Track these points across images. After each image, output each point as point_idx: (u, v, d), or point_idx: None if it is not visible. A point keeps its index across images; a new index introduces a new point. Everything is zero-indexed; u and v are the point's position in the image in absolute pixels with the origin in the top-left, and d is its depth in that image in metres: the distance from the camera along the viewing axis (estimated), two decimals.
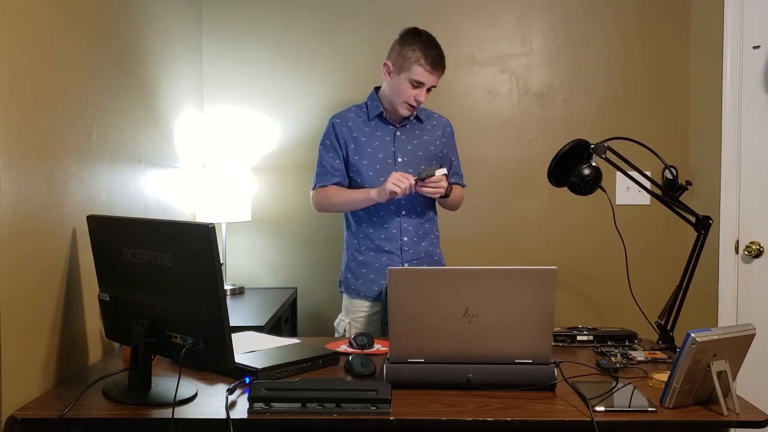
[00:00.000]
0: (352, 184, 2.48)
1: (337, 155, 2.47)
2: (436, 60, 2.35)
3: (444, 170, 2.35)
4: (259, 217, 3.18)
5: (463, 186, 2.65)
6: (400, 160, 2.45)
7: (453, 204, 2.59)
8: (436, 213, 2.59)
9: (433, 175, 2.31)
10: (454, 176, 2.61)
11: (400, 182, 2.26)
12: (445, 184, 2.34)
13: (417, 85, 2.35)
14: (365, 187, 2.43)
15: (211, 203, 2.94)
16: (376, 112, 2.47)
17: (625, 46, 3.15)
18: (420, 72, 2.34)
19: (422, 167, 2.38)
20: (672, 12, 3.13)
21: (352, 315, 2.50)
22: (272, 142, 3.20)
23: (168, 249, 1.55)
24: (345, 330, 2.51)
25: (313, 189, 2.52)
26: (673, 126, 3.15)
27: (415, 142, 2.49)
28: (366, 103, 2.52)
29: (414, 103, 2.38)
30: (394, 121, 2.48)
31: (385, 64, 2.42)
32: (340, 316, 2.57)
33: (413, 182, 2.28)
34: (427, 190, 2.32)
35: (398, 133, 2.48)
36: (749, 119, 2.79)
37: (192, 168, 2.97)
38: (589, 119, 3.15)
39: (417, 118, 2.51)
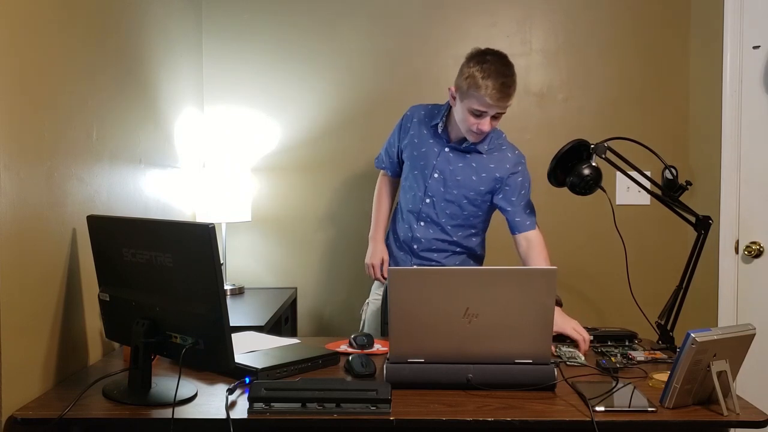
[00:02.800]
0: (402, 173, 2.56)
1: (393, 145, 2.54)
2: (497, 90, 2.13)
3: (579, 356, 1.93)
4: (259, 217, 3.18)
5: (529, 229, 2.34)
6: (436, 175, 2.37)
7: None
8: (474, 244, 2.47)
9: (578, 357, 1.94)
10: (514, 222, 2.35)
11: (369, 269, 2.53)
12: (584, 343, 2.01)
13: (479, 114, 2.19)
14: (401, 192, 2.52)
15: (211, 203, 2.94)
16: (436, 122, 2.38)
17: (625, 46, 3.15)
18: (478, 102, 2.16)
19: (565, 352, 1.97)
20: (672, 12, 3.13)
21: (372, 296, 2.58)
22: (272, 142, 3.20)
23: (168, 249, 1.54)
24: (363, 311, 2.60)
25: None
26: (673, 126, 3.15)
27: (460, 165, 2.35)
28: (442, 105, 2.43)
29: (479, 132, 2.23)
30: (452, 135, 2.36)
31: (449, 89, 2.28)
32: (367, 298, 2.64)
33: (379, 276, 2.50)
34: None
35: (446, 150, 2.37)
36: (749, 119, 2.79)
37: (192, 168, 2.97)
38: (589, 119, 3.15)
39: (476, 150, 2.34)
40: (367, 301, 2.61)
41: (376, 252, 2.53)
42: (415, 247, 2.45)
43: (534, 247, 2.33)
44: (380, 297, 2.53)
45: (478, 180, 2.35)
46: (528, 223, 2.35)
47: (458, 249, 2.45)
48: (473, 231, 2.45)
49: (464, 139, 2.34)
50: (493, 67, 2.16)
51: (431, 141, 2.40)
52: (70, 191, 1.81)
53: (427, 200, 2.40)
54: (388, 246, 2.55)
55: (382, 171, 2.63)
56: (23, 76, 1.60)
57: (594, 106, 3.16)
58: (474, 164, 2.36)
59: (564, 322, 2.03)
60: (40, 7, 1.68)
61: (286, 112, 3.19)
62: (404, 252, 2.49)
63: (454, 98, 2.27)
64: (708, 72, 2.98)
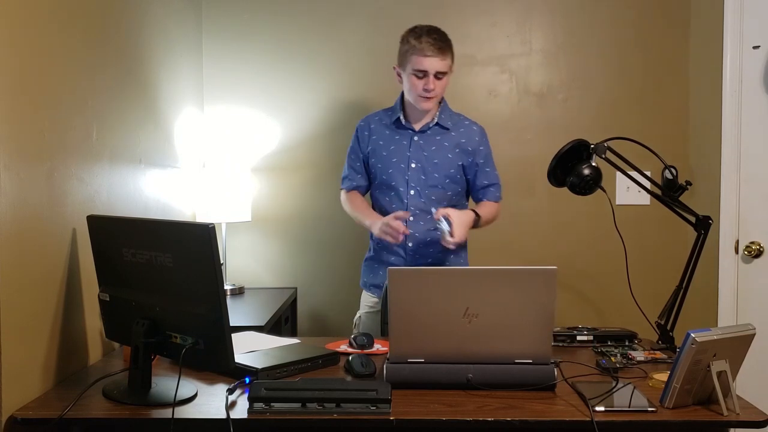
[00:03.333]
0: (372, 182, 2.53)
1: (358, 158, 2.53)
2: (430, 44, 2.31)
3: (445, 226, 2.22)
4: (259, 217, 3.18)
5: (497, 200, 2.51)
6: (413, 165, 2.42)
7: (487, 223, 2.48)
8: None
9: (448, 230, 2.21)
10: (485, 189, 2.50)
11: (387, 234, 2.27)
12: (459, 235, 2.23)
13: (421, 75, 2.32)
14: (382, 189, 2.48)
15: (211, 203, 2.94)
16: (396, 116, 2.46)
17: (625, 46, 3.15)
18: (417, 60, 2.31)
19: (438, 226, 2.25)
20: (672, 12, 3.13)
21: (364, 309, 2.55)
22: (272, 142, 3.20)
23: (168, 249, 1.55)
24: (356, 324, 2.56)
25: (341, 190, 2.61)
26: (673, 126, 3.15)
27: (433, 148, 2.43)
28: (393, 106, 2.51)
29: (426, 94, 2.33)
30: (415, 125, 2.45)
31: (394, 68, 2.44)
32: (358, 311, 2.60)
33: (403, 230, 2.26)
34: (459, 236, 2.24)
35: (416, 138, 2.44)
36: (749, 119, 2.79)
37: (192, 168, 2.97)
38: (589, 119, 3.15)
39: (441, 125, 2.44)
40: (358, 314, 2.56)
41: (384, 219, 2.33)
42: (410, 245, 2.43)
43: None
44: (371, 308, 2.50)
45: (454, 156, 2.44)
46: (498, 194, 2.53)
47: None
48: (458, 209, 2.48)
49: (428, 123, 2.44)
50: (424, 29, 2.36)
51: (397, 137, 2.46)
52: (70, 191, 1.81)
53: (411, 192, 2.41)
54: (380, 259, 2.49)
55: (343, 191, 2.58)
56: (23, 76, 1.60)
57: (594, 106, 3.16)
58: (446, 143, 2.44)
59: (458, 215, 2.26)
60: (40, 8, 1.68)
61: (286, 112, 3.19)
62: (396, 256, 2.45)
63: (399, 76, 2.41)
64: (708, 72, 2.98)
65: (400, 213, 2.32)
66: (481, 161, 2.48)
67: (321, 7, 3.17)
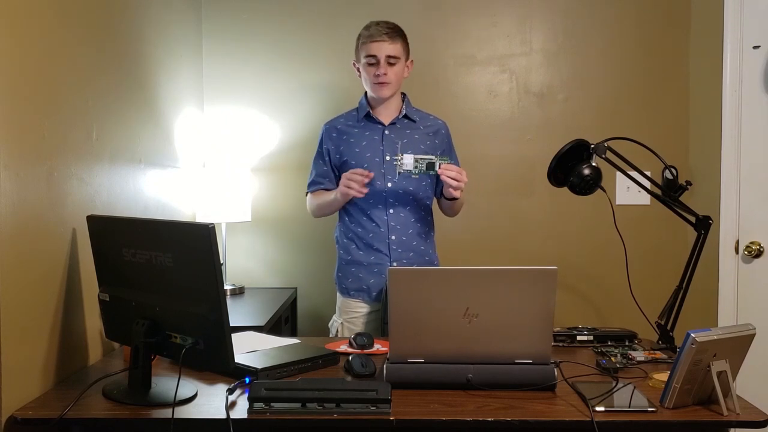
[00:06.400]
0: None
1: (325, 162, 2.52)
2: (379, 30, 2.39)
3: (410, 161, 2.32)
4: (259, 217, 3.18)
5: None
6: (387, 158, 2.43)
7: (455, 209, 2.56)
8: (431, 214, 2.55)
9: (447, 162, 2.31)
10: None
11: (349, 184, 2.29)
12: (465, 179, 2.31)
13: (373, 62, 2.39)
14: None
15: (211, 203, 2.94)
16: (364, 112, 2.49)
17: (625, 46, 3.15)
18: (367, 47, 2.39)
19: (436, 154, 2.35)
20: (672, 12, 3.13)
21: (345, 315, 2.49)
22: (272, 142, 3.20)
23: (168, 249, 1.55)
24: (338, 331, 2.50)
25: (306, 194, 2.61)
26: (673, 126, 3.15)
27: (405, 141, 2.46)
28: (357, 107, 2.55)
29: (379, 80, 2.39)
30: (383, 119, 2.49)
31: (353, 64, 2.51)
32: (333, 317, 2.57)
33: (365, 174, 2.29)
34: (448, 180, 2.27)
35: (387, 132, 2.47)
36: (749, 119, 2.79)
37: (192, 168, 2.97)
38: (589, 119, 3.15)
39: (409, 118, 2.50)
40: (340, 321, 2.50)
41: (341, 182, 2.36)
42: (393, 238, 2.42)
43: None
44: (359, 313, 2.46)
45: (426, 148, 2.47)
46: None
47: (428, 229, 2.51)
48: (428, 202, 2.53)
49: (396, 116, 2.47)
50: (374, 22, 2.46)
51: (368, 132, 2.48)
52: (70, 191, 1.81)
53: (389, 184, 2.42)
54: (358, 261, 2.46)
55: (309, 193, 2.58)
56: (24, 76, 1.60)
57: (594, 106, 3.16)
58: (416, 135, 2.49)
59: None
60: (41, 8, 1.68)
61: (286, 112, 3.20)
62: (379, 253, 2.42)
63: (358, 70, 2.47)
64: (708, 72, 2.98)
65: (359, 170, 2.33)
66: (444, 152, 2.54)
67: (321, 7, 3.17)
